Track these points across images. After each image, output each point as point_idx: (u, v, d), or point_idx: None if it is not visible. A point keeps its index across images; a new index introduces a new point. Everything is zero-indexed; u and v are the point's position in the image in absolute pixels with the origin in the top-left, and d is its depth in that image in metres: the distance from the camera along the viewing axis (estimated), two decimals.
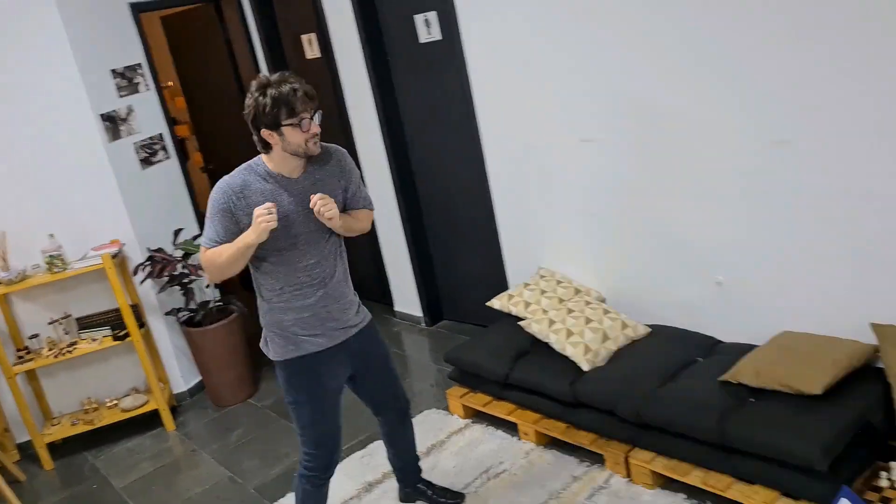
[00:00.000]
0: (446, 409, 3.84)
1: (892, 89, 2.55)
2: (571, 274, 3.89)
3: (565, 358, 3.30)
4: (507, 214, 4.16)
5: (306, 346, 2.57)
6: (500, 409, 3.55)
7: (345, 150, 2.69)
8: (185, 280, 4.26)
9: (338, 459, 2.75)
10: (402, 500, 3.18)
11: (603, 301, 3.74)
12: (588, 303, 3.56)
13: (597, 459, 3.17)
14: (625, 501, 2.91)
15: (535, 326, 3.49)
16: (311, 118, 2.40)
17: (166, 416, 4.28)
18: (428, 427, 3.71)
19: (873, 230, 2.74)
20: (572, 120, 3.57)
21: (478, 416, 3.72)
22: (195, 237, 4.44)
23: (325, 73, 4.88)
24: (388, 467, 3.39)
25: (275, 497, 3.41)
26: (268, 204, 2.37)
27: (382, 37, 4.49)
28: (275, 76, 2.40)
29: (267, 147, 2.45)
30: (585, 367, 3.23)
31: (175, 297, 4.38)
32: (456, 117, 4.23)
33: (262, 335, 2.66)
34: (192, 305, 4.35)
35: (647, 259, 3.53)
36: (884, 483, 2.58)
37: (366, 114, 4.65)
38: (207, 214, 2.47)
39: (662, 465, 2.90)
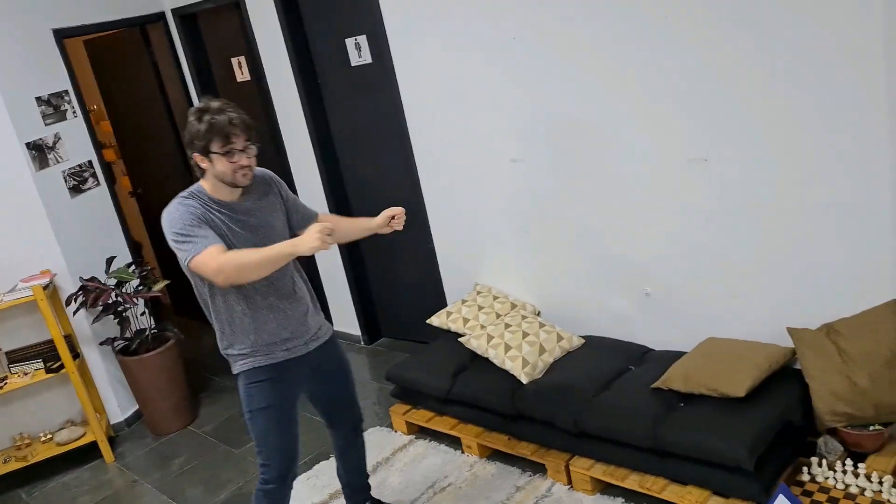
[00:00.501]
0: (390, 426, 3.90)
1: (795, 111, 2.74)
2: (507, 289, 4.00)
3: (504, 372, 3.41)
4: (442, 232, 4.25)
5: (266, 357, 2.59)
6: (443, 425, 3.63)
7: (271, 172, 2.75)
8: (120, 308, 4.21)
9: (296, 471, 2.74)
10: None
11: (538, 314, 3.86)
12: (524, 317, 3.67)
13: (538, 469, 3.27)
14: None
15: (475, 342, 3.58)
16: (243, 150, 2.43)
17: (104, 448, 4.20)
18: (373, 444, 3.75)
19: (785, 241, 2.94)
20: (502, 140, 3.69)
21: (421, 431, 3.79)
22: (129, 265, 4.38)
23: (257, 96, 4.89)
24: (334, 487, 3.44)
25: None
26: (328, 225, 2.33)
27: (313, 60, 4.53)
28: (216, 103, 2.43)
29: (201, 172, 2.49)
30: (524, 379, 3.34)
31: (109, 326, 4.32)
32: (389, 138, 4.31)
33: (224, 352, 2.64)
34: (128, 334, 4.29)
35: (579, 273, 3.67)
36: (805, 477, 2.76)
37: (299, 136, 4.69)
38: (181, 231, 2.38)
39: (601, 472, 3.03)
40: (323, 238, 2.27)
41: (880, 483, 2.62)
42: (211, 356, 5.18)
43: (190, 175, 5.41)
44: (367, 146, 4.52)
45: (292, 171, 4.88)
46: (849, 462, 2.73)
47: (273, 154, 4.96)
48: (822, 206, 2.80)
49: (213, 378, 4.96)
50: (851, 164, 2.69)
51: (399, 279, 4.76)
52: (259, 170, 2.62)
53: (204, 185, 2.51)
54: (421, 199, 4.23)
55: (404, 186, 4.32)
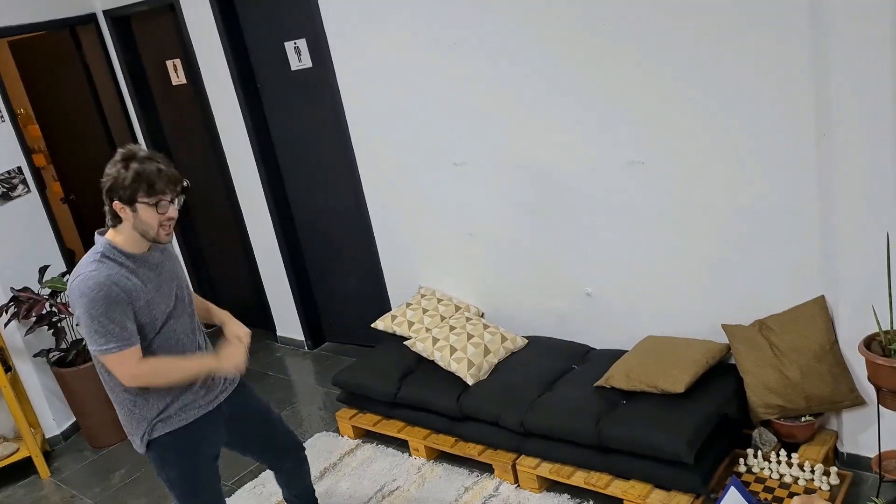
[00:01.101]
0: (336, 430, 3.88)
1: (727, 115, 2.84)
2: (451, 291, 4.03)
3: (450, 374, 3.43)
4: (385, 235, 4.25)
5: (175, 420, 2.41)
6: (390, 428, 3.64)
7: None
8: (55, 319, 4.08)
9: None
10: None
11: (482, 316, 3.90)
12: (468, 318, 3.71)
13: (486, 469, 3.31)
14: None
15: (420, 345, 3.60)
16: (171, 201, 2.28)
17: (39, 463, 4.07)
18: (319, 450, 3.74)
19: (718, 241, 3.04)
20: (444, 144, 3.71)
21: (368, 435, 3.79)
22: (63, 273, 4.26)
23: (194, 100, 4.81)
24: (280, 496, 3.40)
25: None
26: (245, 341, 2.43)
27: (252, 64, 4.48)
28: (143, 152, 2.27)
29: (116, 221, 2.29)
30: (470, 381, 3.37)
31: (43, 337, 4.19)
32: (331, 142, 4.29)
33: (127, 427, 2.46)
34: (63, 345, 4.17)
35: (521, 274, 3.72)
36: (742, 468, 2.87)
37: (238, 140, 4.62)
38: (99, 320, 2.21)
39: (547, 470, 3.08)
40: (238, 362, 2.38)
41: (812, 471, 2.74)
42: None
43: None
44: (309, 151, 4.49)
45: (232, 177, 4.81)
46: (783, 452, 2.85)
47: (212, 159, 4.89)
48: (753, 208, 2.91)
49: None
50: (781, 167, 2.80)
51: (342, 283, 4.74)
52: None
53: (115, 238, 2.30)
54: (363, 203, 4.23)
55: (346, 190, 4.31)
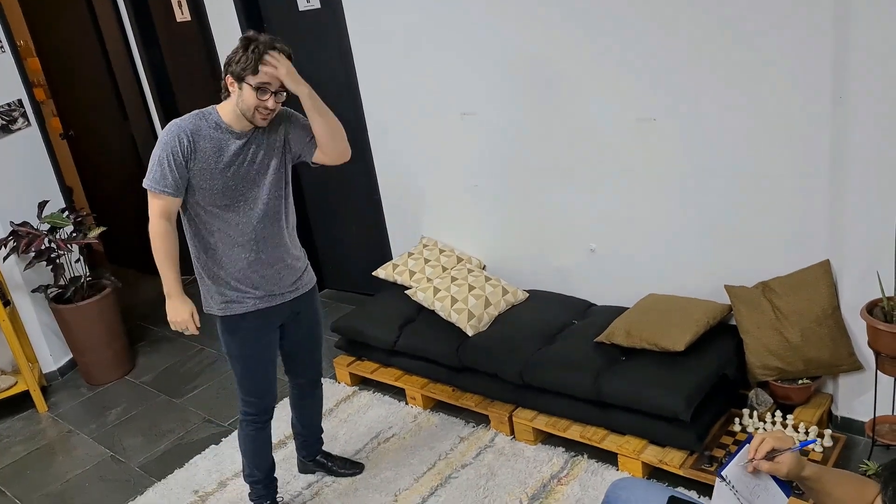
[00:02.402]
0: (333, 377, 3.90)
1: (740, 76, 2.80)
2: (453, 242, 4.01)
3: (450, 324, 3.44)
4: (389, 184, 4.22)
5: (241, 305, 2.61)
6: (388, 376, 3.66)
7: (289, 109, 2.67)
8: (54, 255, 4.06)
9: (274, 404, 2.84)
10: (300, 471, 3.21)
11: (484, 268, 3.90)
12: (470, 270, 3.70)
13: (482, 420, 3.33)
14: (509, 458, 3.09)
15: (421, 294, 3.60)
16: (275, 92, 2.44)
17: (37, 397, 4.09)
18: None
19: (724, 203, 3.02)
20: (454, 93, 3.66)
21: (365, 383, 3.81)
22: (63, 210, 4.23)
23: (198, 38, 4.71)
24: (278, 437, 3.43)
25: (163, 474, 3.36)
26: (192, 327, 2.56)
27: (259, 3, 4.38)
28: (268, 37, 2.43)
29: (226, 94, 2.49)
30: (470, 332, 3.38)
31: (43, 273, 4.17)
32: (337, 87, 4.22)
33: (201, 289, 2.65)
34: (62, 282, 4.16)
35: (526, 228, 3.70)
36: (737, 428, 2.89)
37: None
38: (156, 155, 2.44)
39: (543, 423, 3.10)
40: (179, 323, 2.56)
41: (806, 433, 2.76)
42: (148, 305, 5.09)
43: (125, 120, 5.23)
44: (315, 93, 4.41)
45: None
46: (778, 414, 2.87)
47: (214, 100, 4.80)
48: (763, 170, 2.88)
49: (150, 328, 4.86)
50: (794, 130, 2.76)
51: (344, 231, 4.72)
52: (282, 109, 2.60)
53: (220, 109, 2.51)
54: (369, 151, 4.18)
55: (351, 137, 4.22)
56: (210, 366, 4.28)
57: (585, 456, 3.01)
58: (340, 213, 4.68)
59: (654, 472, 2.84)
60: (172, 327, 2.59)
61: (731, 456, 1.61)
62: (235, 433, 3.50)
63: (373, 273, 4.03)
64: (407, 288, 3.77)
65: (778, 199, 2.89)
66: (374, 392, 3.73)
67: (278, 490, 3.00)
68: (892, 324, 2.50)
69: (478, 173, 3.75)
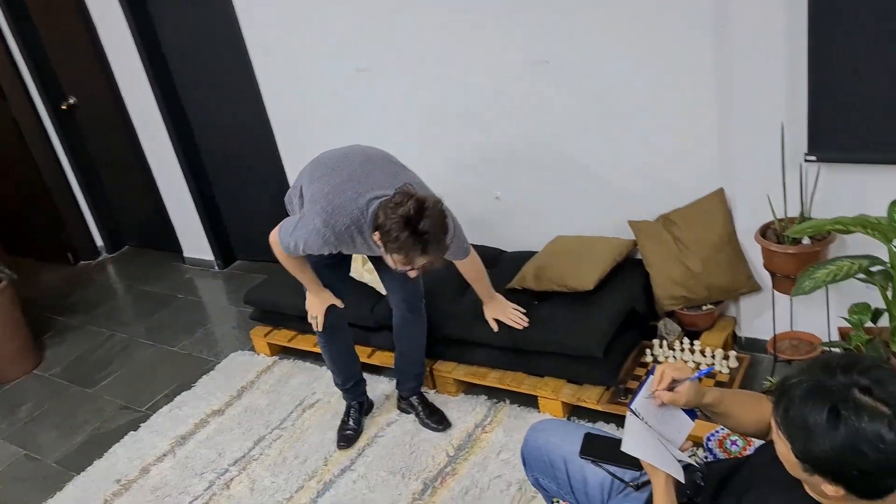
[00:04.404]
0: (252, 349, 3.84)
1: (627, 13, 2.81)
2: None
3: (364, 285, 3.41)
4: (290, 148, 4.12)
5: None
6: (306, 343, 3.61)
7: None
8: None
9: (337, 322, 2.90)
10: (399, 409, 3.16)
11: None
12: None
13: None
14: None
15: None
16: (413, 267, 2.31)
17: None
18: (235, 369, 3.70)
19: (622, 140, 3.06)
20: (348, 49, 3.57)
21: (284, 352, 3.76)
22: None
23: (74, 9, 4.44)
24: (198, 417, 3.38)
25: (82, 467, 3.25)
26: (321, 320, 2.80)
27: None
28: (427, 223, 2.21)
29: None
30: (383, 291, 3.34)
31: None
32: (225, 50, 4.06)
33: None
34: None
35: (433, 180, 3.64)
36: (648, 359, 2.98)
37: (126, 53, 4.32)
38: (309, 227, 2.44)
39: (463, 373, 3.13)
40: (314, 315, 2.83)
41: (713, 357, 2.87)
42: (52, 296, 4.88)
43: (3, 100, 4.92)
44: (203, 58, 4.24)
45: (122, 92, 4.54)
46: (686, 341, 2.97)
47: (99, 74, 4.57)
48: (655, 104, 2.92)
49: (56, 318, 4.67)
50: (680, 61, 2.80)
51: (250, 200, 4.60)
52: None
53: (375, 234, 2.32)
54: (264, 114, 4.06)
55: (246, 102, 4.13)
56: (122, 351, 4.15)
57: (507, 401, 3.06)
58: (244, 183, 4.55)
59: (574, 410, 2.91)
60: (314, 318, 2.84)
61: (638, 389, 1.65)
62: (154, 416, 3.45)
63: None
64: None
65: (672, 131, 2.94)
66: (294, 360, 3.69)
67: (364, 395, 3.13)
68: (784, 244, 2.60)
69: (381, 129, 3.68)
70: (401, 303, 2.95)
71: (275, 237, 2.62)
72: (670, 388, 1.60)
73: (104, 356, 4.15)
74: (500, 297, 2.97)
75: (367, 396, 3.18)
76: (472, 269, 2.86)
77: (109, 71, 4.51)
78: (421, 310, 2.97)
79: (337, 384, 3.09)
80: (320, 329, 2.84)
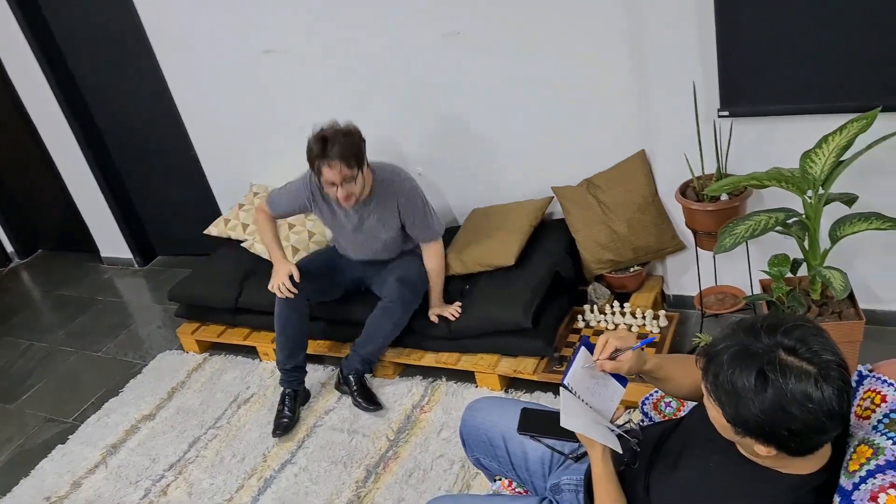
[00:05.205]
0: (180, 348, 3.72)
1: None
2: None
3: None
4: (202, 136, 3.97)
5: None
6: (236, 336, 3.52)
7: (410, 187, 2.92)
8: None
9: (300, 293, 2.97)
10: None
11: None
12: (306, 214, 3.57)
13: (338, 364, 3.28)
14: (375, 392, 3.05)
15: (259, 246, 3.46)
16: (341, 184, 2.70)
17: None
18: (164, 370, 3.58)
19: (540, 108, 3.04)
20: (253, 31, 3.44)
21: (214, 348, 3.66)
22: None
23: None
24: (128, 423, 3.27)
25: (7, 487, 3.09)
26: (287, 286, 2.89)
27: None
28: (328, 131, 2.73)
29: None
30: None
31: None
32: (124, 38, 3.87)
33: None
34: None
35: None
36: (580, 324, 3.00)
37: (14, 42, 4.06)
38: (287, 186, 2.98)
39: (398, 355, 3.10)
40: (278, 285, 2.91)
41: (643, 317, 2.91)
42: None
43: None
44: (104, 55, 4.03)
45: (15, 87, 4.29)
46: (616, 304, 2.99)
47: None
48: (572, 68, 2.90)
49: None
50: (594, 23, 2.78)
51: (165, 192, 4.43)
52: (395, 182, 2.90)
53: None
54: (172, 104, 3.90)
55: (151, 90, 3.95)
56: (43, 361, 3.97)
57: (444, 379, 3.05)
58: (158, 176, 4.38)
59: (512, 382, 2.92)
60: (275, 288, 2.93)
61: (569, 364, 1.64)
62: (82, 427, 3.31)
63: (204, 232, 3.82)
64: (243, 241, 3.61)
65: (591, 95, 2.93)
66: (225, 355, 3.59)
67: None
68: (703, 202, 2.64)
69: (291, 107, 3.57)
70: (382, 299, 2.99)
71: (262, 200, 3.07)
72: (612, 357, 1.59)
73: (24, 367, 3.96)
74: (440, 307, 3.04)
75: (305, 387, 3.13)
76: (434, 260, 3.02)
77: (2, 68, 4.26)
78: (393, 310, 2.95)
79: (278, 363, 3.05)
80: (279, 295, 2.92)
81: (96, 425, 3.32)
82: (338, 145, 2.66)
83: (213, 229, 3.80)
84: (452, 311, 2.96)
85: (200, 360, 3.60)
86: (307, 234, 3.49)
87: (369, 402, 2.97)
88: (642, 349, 1.61)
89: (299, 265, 2.99)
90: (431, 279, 3.03)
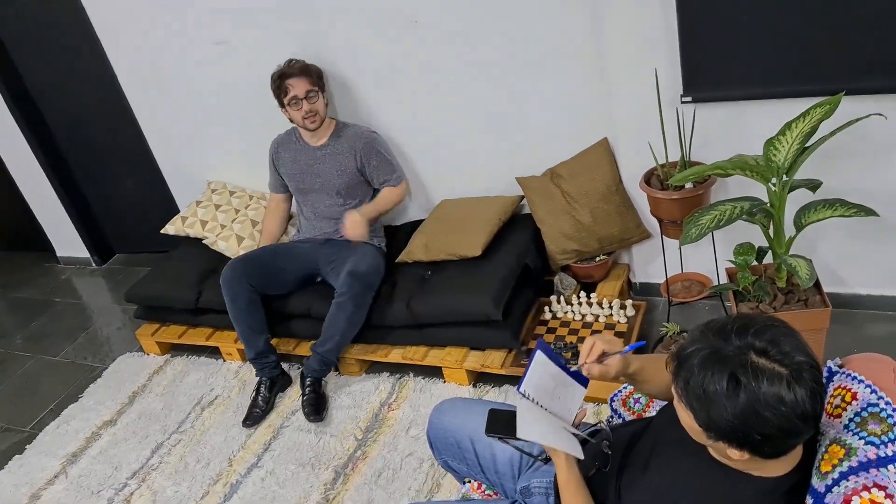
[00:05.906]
0: (140, 350, 3.62)
1: None
2: (243, 182, 3.76)
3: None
4: (156, 131, 3.85)
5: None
6: (198, 337, 3.44)
7: (370, 134, 3.12)
8: None
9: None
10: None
11: None
12: (266, 208, 3.50)
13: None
14: (337, 394, 3.01)
15: (223, 244, 3.39)
16: (305, 97, 2.95)
17: None
18: (124, 374, 3.49)
19: (503, 96, 2.98)
20: (205, 23, 3.33)
21: (176, 349, 3.57)
22: None
23: None
24: (89, 430, 3.18)
25: None
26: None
27: None
28: (285, 62, 3.01)
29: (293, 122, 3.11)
30: None
31: None
32: (70, 32, 3.73)
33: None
34: None
35: None
36: (548, 316, 2.97)
37: None
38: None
39: (364, 351, 3.05)
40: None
41: (610, 307, 2.89)
42: None
43: None
44: (49, 50, 3.89)
45: None
46: (583, 294, 2.97)
47: None
48: (533, 56, 2.85)
49: None
50: (556, 10, 2.73)
51: (120, 190, 4.30)
52: (356, 129, 3.11)
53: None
54: (122, 99, 3.77)
55: (98, 86, 3.83)
56: None
57: (412, 375, 3.00)
58: (112, 173, 4.25)
59: (480, 377, 2.89)
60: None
61: (524, 372, 1.59)
62: (40, 435, 3.21)
63: (161, 231, 3.72)
64: (202, 239, 3.52)
65: (553, 84, 2.88)
66: (187, 357, 3.50)
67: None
68: (668, 190, 2.61)
69: (248, 99, 3.47)
70: (336, 294, 2.92)
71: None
72: (599, 361, 1.56)
73: None
74: (363, 218, 3.03)
75: (284, 373, 3.12)
76: (393, 193, 3.16)
77: None
78: (345, 305, 2.88)
79: (248, 357, 3.08)
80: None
81: (55, 433, 3.22)
82: (300, 64, 2.99)
83: (171, 228, 3.69)
84: (353, 223, 2.99)
85: (162, 363, 3.51)
86: (250, 222, 3.45)
87: (314, 411, 2.90)
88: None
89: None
90: (377, 198, 3.14)
